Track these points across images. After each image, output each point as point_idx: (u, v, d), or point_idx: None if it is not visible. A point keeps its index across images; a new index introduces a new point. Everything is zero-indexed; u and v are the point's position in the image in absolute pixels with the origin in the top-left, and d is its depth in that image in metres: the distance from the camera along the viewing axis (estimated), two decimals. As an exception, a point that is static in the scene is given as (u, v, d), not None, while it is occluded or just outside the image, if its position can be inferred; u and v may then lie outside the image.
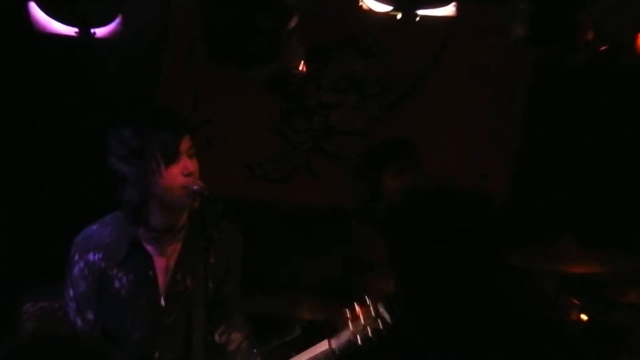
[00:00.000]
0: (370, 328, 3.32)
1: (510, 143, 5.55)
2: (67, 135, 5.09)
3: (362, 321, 3.31)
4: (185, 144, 3.24)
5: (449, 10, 4.33)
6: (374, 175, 4.66)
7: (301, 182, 5.53)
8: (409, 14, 4.22)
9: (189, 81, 5.33)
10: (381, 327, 3.28)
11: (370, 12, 4.27)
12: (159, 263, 3.35)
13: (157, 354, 3.35)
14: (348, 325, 3.34)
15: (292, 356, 3.48)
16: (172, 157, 3.19)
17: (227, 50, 4.42)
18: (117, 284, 3.32)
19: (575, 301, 4.84)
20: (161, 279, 3.36)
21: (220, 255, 3.37)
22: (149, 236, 3.32)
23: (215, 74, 5.20)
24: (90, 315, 3.33)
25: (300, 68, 5.06)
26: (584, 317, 4.82)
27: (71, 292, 3.35)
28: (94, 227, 3.37)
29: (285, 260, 5.29)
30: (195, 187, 3.19)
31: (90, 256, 3.32)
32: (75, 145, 5.07)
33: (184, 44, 5.23)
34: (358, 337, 3.31)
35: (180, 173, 3.21)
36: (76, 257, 3.34)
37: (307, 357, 3.43)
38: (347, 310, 3.30)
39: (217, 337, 3.43)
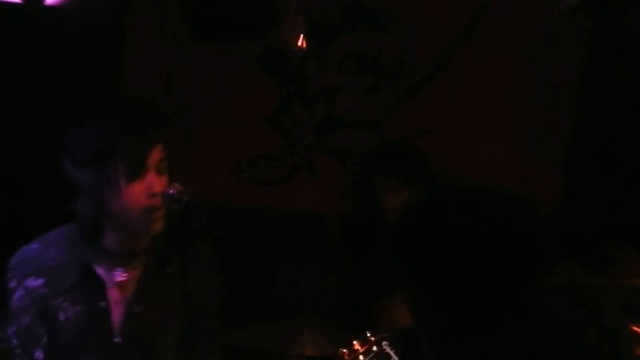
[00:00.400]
0: None
1: (560, 137, 5.03)
2: (8, 125, 4.70)
3: None
4: (155, 156, 3.00)
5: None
6: (368, 182, 4.49)
7: (301, 185, 5.08)
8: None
9: (162, 59, 4.92)
10: None
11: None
12: (114, 293, 3.15)
13: None
14: None
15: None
16: (136, 172, 2.96)
17: (209, 21, 4.40)
18: (61, 316, 3.11)
19: (640, 331, 4.30)
20: (116, 312, 3.15)
21: (194, 285, 3.17)
22: (102, 259, 3.13)
23: (195, 51, 4.85)
24: (39, 354, 3.12)
25: (300, 44, 4.83)
26: (652, 353, 4.29)
27: (13, 328, 3.15)
28: (34, 246, 3.15)
29: (282, 280, 4.95)
30: (171, 191, 2.95)
31: (30, 282, 3.11)
32: (18, 139, 4.71)
33: (155, 13, 4.89)
34: None
35: (144, 192, 2.98)
36: (13, 284, 3.14)
37: None
38: (344, 349, 3.18)
39: None
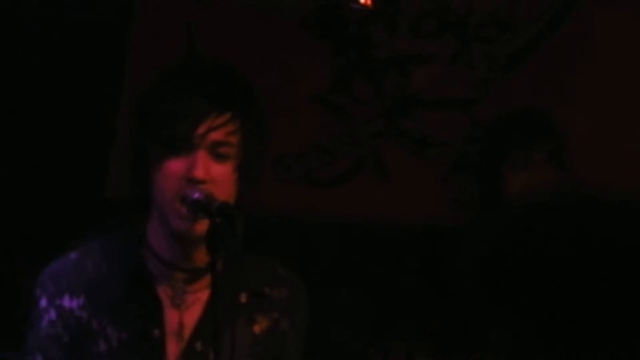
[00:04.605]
0: None
1: None
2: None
3: None
4: (214, 134, 2.70)
5: None
6: (489, 172, 4.05)
7: (366, 186, 4.69)
8: None
9: (180, 20, 4.60)
10: None
11: None
12: (171, 317, 2.87)
13: None
14: None
15: None
16: (174, 144, 2.71)
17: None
18: (102, 346, 2.85)
19: None
20: (172, 344, 2.88)
21: (272, 324, 2.92)
22: (157, 269, 2.84)
23: (224, 9, 4.56)
24: None
25: (364, 0, 4.51)
26: None
27: None
28: (72, 255, 2.92)
29: (342, 315, 4.53)
30: (195, 196, 2.66)
31: (66, 301, 2.87)
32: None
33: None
34: None
35: (181, 173, 2.70)
36: (43, 304, 2.88)
37: None
38: None
39: None
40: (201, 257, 2.82)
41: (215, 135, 2.70)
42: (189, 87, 2.76)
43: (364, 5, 4.52)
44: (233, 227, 2.61)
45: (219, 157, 2.71)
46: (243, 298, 2.85)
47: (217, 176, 2.71)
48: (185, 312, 2.90)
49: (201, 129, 2.68)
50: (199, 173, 2.67)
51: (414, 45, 4.66)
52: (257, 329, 2.87)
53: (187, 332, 2.89)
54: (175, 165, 2.70)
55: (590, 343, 1.95)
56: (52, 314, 2.90)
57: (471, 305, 4.07)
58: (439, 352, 4.34)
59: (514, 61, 4.65)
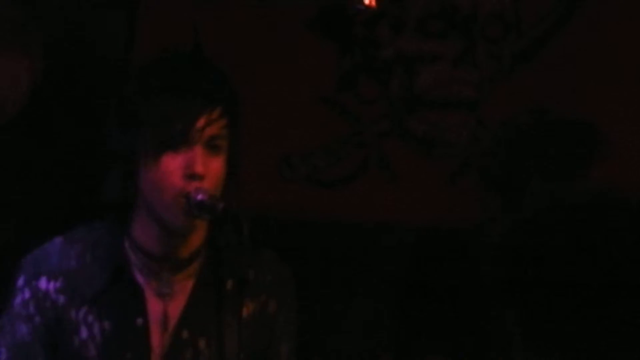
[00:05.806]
0: None
1: None
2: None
3: None
4: (209, 130, 2.73)
5: None
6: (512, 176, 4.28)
7: (372, 186, 4.64)
8: None
9: (187, 19, 4.49)
10: None
11: None
12: (155, 307, 2.87)
13: None
14: None
15: None
16: (172, 140, 2.73)
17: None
18: (83, 334, 2.83)
19: None
20: (156, 334, 2.86)
21: (260, 308, 2.93)
22: (140, 262, 2.87)
23: (230, 9, 4.52)
24: None
25: (368, 0, 4.48)
26: None
27: (2, 340, 2.88)
28: (57, 241, 2.94)
29: (345, 316, 4.53)
30: (200, 197, 2.68)
31: (42, 283, 2.87)
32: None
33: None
34: None
35: (180, 169, 2.71)
36: (19, 283, 2.90)
37: None
38: None
39: None
40: (186, 248, 2.87)
41: (212, 130, 2.73)
42: (181, 85, 2.79)
43: (368, 6, 4.49)
44: (240, 228, 2.61)
45: (215, 149, 2.75)
46: (229, 285, 2.85)
47: (212, 170, 2.75)
48: (170, 302, 2.92)
49: (199, 124, 2.71)
50: (199, 168, 2.70)
51: (420, 46, 4.64)
52: (244, 312, 2.88)
53: (173, 321, 2.92)
54: (174, 162, 2.72)
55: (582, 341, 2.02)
56: (27, 294, 2.91)
57: (489, 303, 4.01)
58: (449, 352, 4.36)
59: (520, 61, 4.63)
